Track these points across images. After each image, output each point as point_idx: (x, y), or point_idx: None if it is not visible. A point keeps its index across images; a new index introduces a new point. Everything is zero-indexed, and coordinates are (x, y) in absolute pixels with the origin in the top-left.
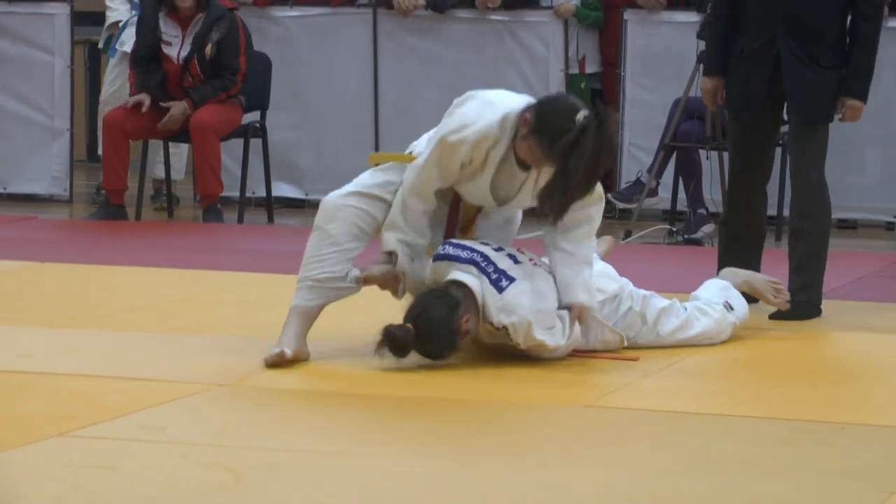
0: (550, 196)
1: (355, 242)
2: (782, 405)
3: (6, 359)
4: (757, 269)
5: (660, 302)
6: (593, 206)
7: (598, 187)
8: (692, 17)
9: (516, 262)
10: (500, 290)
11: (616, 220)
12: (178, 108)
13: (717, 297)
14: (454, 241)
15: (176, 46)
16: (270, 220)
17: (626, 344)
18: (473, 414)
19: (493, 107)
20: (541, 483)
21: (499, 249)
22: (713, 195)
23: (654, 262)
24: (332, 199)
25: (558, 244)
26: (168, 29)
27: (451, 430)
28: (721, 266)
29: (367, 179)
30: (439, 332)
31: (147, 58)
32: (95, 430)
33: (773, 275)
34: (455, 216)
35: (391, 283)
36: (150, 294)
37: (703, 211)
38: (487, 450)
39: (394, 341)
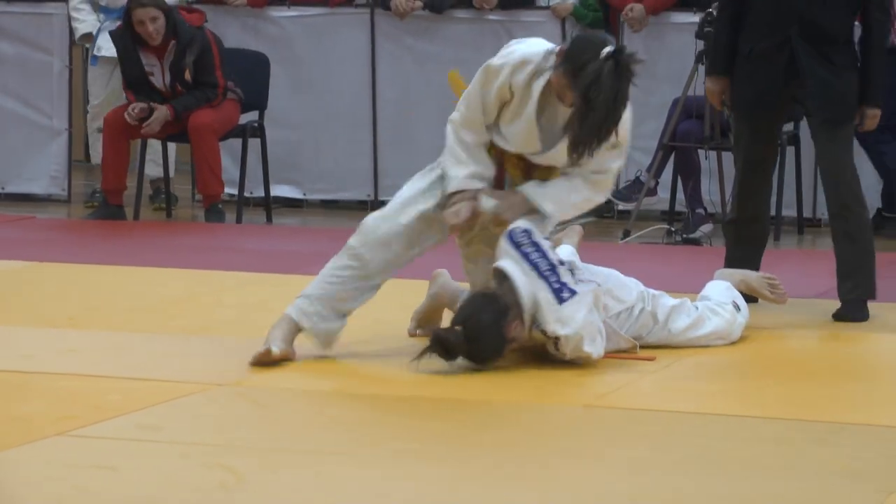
0: (574, 128)
1: (385, 275)
2: (782, 405)
3: (6, 359)
4: (756, 267)
5: (670, 300)
6: (612, 158)
7: (623, 135)
8: (690, 17)
9: (573, 276)
10: (561, 300)
11: (615, 219)
12: (159, 113)
13: (725, 298)
14: (538, 235)
15: (158, 76)
16: (269, 220)
17: (638, 351)
18: (473, 414)
19: (541, 43)
20: (541, 483)
21: (561, 263)
22: (712, 195)
23: (653, 262)
24: (374, 222)
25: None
26: (147, 60)
27: (451, 430)
28: (729, 265)
29: (407, 192)
30: (488, 337)
31: (139, 84)
32: (95, 430)
33: (773, 273)
34: (501, 175)
35: (471, 221)
36: (149, 294)
37: (701, 211)
38: (487, 450)
39: (445, 345)
